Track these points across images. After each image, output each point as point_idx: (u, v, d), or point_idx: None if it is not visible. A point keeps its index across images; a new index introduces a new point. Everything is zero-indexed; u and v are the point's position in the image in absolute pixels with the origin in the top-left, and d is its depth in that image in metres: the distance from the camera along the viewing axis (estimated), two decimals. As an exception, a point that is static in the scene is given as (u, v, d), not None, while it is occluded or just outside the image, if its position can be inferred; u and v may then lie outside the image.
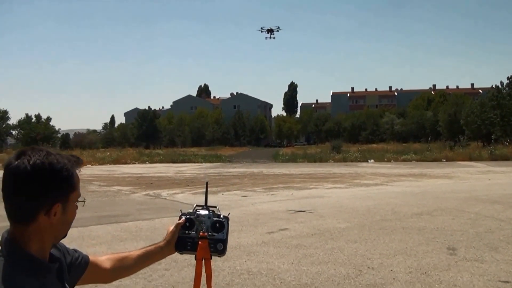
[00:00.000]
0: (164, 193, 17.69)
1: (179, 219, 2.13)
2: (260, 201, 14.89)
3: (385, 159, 42.51)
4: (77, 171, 1.65)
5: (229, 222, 2.17)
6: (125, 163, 44.44)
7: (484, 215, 11.49)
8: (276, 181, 22.42)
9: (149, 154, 54.03)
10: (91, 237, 9.43)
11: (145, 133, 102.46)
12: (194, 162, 44.65)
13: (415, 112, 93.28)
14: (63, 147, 79.23)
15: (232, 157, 52.37)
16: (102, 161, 45.03)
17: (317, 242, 8.75)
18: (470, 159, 40.08)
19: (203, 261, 2.03)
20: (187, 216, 2.13)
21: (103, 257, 2.00)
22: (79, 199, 1.72)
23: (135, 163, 44.37)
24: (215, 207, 2.23)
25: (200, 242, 2.05)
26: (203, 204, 2.25)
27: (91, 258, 1.92)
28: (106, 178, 25.85)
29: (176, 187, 20.19)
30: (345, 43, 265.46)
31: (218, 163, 43.47)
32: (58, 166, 1.54)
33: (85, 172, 17.80)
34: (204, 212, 2.16)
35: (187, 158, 48.08)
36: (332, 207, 13.20)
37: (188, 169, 34.31)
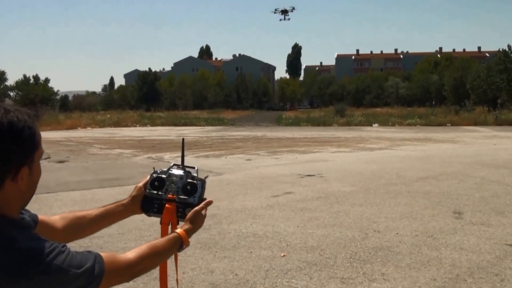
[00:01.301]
0: (167, 156, 17.67)
1: (149, 176, 1.94)
2: (264, 165, 14.86)
3: (390, 123, 42.45)
4: (37, 126, 1.44)
5: (205, 186, 1.92)
6: (126, 126, 44.43)
7: (490, 180, 11.43)
8: (279, 145, 22.38)
9: (150, 117, 53.91)
10: (94, 200, 9.41)
11: (145, 96, 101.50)
12: (196, 126, 44.64)
13: (420, 76, 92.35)
14: (62, 109, 78.97)
15: (234, 121, 52.32)
16: (102, 124, 45.04)
17: (323, 205, 8.73)
18: (476, 124, 39.94)
19: (169, 226, 1.81)
20: (158, 174, 1.91)
21: (56, 216, 1.78)
22: (43, 156, 1.52)
23: (136, 126, 44.38)
24: (194, 167, 2.01)
25: (167, 205, 1.84)
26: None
27: (40, 217, 1.68)
28: (107, 141, 25.86)
29: (178, 150, 19.88)
30: (350, 4, 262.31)
31: (221, 127, 43.46)
32: (19, 125, 1.35)
33: (86, 134, 18.13)
34: (177, 171, 1.93)
35: (189, 121, 48.07)
36: (336, 171, 13.17)
37: (190, 132, 34.31)
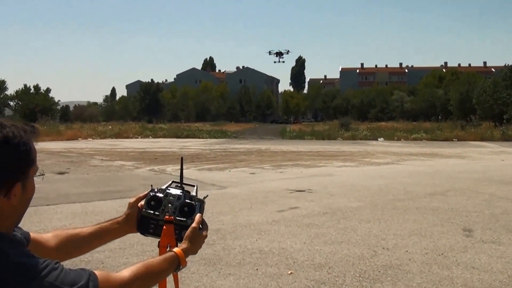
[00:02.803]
0: (169, 168, 17.50)
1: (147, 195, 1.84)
2: (268, 179, 14.69)
3: (395, 138, 42.24)
4: (34, 142, 1.43)
5: (204, 207, 1.81)
6: (127, 137, 44.29)
7: (499, 196, 11.24)
8: (284, 158, 22.21)
9: (152, 128, 53.80)
10: (94, 213, 9.25)
11: (147, 107, 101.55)
12: (199, 138, 44.49)
13: (425, 90, 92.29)
14: (63, 120, 78.83)
15: (238, 133, 52.18)
16: (103, 135, 44.89)
17: (329, 221, 8.55)
18: (482, 139, 39.71)
19: (168, 249, 1.69)
20: (155, 194, 1.81)
21: (48, 234, 1.72)
22: (37, 173, 1.50)
23: (137, 138, 44.26)
24: (194, 186, 1.91)
25: (164, 227, 1.74)
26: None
27: (32, 235, 1.64)
28: (108, 153, 25.72)
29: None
30: (355, 18, 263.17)
31: (224, 139, 43.32)
32: (15, 141, 1.33)
33: (87, 145, 17.97)
34: (175, 191, 1.82)
35: (192, 133, 47.90)
36: (342, 186, 12.99)
37: (193, 144, 34.17)
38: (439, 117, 63.46)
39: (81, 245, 1.77)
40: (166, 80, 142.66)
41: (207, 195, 1.88)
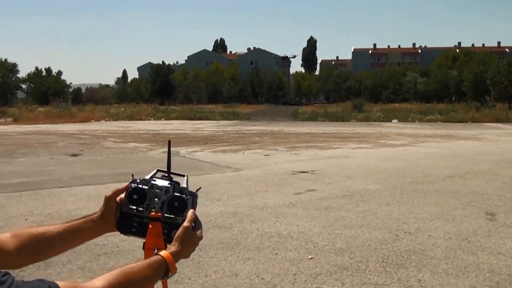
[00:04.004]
0: (183, 150, 17.35)
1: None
2: (283, 160, 14.51)
3: (409, 119, 41.89)
4: None
5: (197, 201, 1.51)
6: (140, 119, 44.37)
7: (520, 179, 11.01)
8: (298, 140, 22.04)
9: (165, 110, 53.76)
10: (110, 195, 9.11)
11: (159, 89, 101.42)
12: (212, 120, 44.44)
13: (438, 71, 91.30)
14: (75, 102, 79.00)
15: (250, 115, 52.06)
16: (116, 117, 45.02)
17: (348, 204, 8.38)
18: (497, 120, 39.27)
19: (155, 252, 1.42)
20: (137, 185, 1.50)
21: (6, 234, 1.41)
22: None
23: (150, 120, 44.28)
24: (184, 175, 1.61)
25: (150, 225, 1.44)
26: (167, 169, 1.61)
27: None
28: (122, 134, 25.69)
29: (194, 144, 19.88)
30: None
31: (236, 121, 43.21)
32: None
33: (99, 127, 17.95)
34: (162, 182, 1.52)
35: (204, 115, 47.91)
36: (359, 168, 12.79)
37: (206, 126, 34.05)
38: (453, 98, 62.70)
39: (47, 247, 1.46)
40: (177, 62, 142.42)
41: (200, 187, 1.58)
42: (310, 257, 5.57)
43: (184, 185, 1.54)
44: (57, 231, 1.46)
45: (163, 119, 45.09)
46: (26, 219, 7.31)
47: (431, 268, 5.18)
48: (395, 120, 41.37)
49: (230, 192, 9.43)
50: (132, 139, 22.55)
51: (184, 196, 1.48)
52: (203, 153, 16.46)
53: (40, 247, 1.43)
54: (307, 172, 12.05)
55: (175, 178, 1.57)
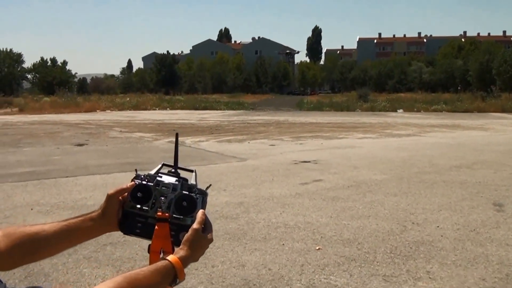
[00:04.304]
0: (188, 140, 17.31)
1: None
2: (289, 150, 14.47)
3: (415, 109, 41.77)
4: None
5: (207, 200, 1.40)
6: (145, 109, 44.38)
7: (527, 169, 10.94)
8: (303, 130, 22.00)
9: (170, 100, 53.81)
10: (114, 185, 8.94)
11: (164, 79, 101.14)
12: (217, 109, 44.41)
13: (444, 61, 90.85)
14: (80, 92, 78.98)
15: (255, 105, 51.99)
16: (121, 107, 45.03)
17: (355, 194, 8.33)
18: (503, 110, 39.08)
19: (161, 255, 1.31)
20: (142, 182, 1.40)
21: None
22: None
23: (155, 109, 44.29)
24: (192, 171, 1.47)
25: (156, 227, 1.34)
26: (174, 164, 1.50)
27: None
28: (127, 124, 25.68)
29: (200, 134, 19.85)
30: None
31: (241, 111, 43.20)
32: None
33: (105, 117, 17.99)
34: (169, 178, 1.42)
35: (209, 105, 47.92)
36: (365, 158, 12.74)
37: (211, 116, 34.03)
38: (459, 88, 62.40)
39: (41, 247, 1.35)
40: (182, 52, 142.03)
41: (210, 185, 1.47)
42: (317, 248, 5.53)
43: (193, 181, 1.42)
44: (53, 230, 1.35)
45: (168, 109, 45.08)
46: (32, 209, 7.29)
47: (440, 259, 5.14)
48: (401, 110, 41.23)
49: (236, 182, 9.40)
50: (137, 129, 22.54)
51: (193, 194, 1.38)
52: (209, 143, 16.42)
53: (34, 247, 1.33)
54: (312, 162, 12.01)
55: (182, 174, 1.47)
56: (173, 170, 1.47)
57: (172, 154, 1.53)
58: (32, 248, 1.33)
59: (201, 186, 1.43)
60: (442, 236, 5.96)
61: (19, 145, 15.87)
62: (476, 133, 20.56)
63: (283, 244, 5.67)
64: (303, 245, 5.63)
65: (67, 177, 9.89)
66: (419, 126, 24.41)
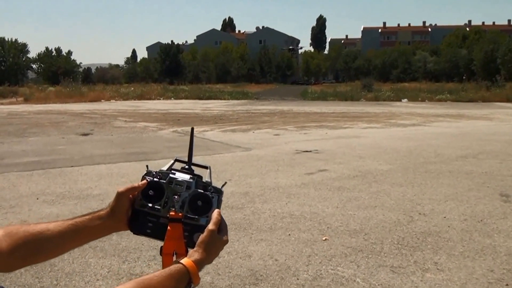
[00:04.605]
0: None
1: (141, 180, 1.35)
2: (294, 140, 14.42)
3: (419, 99, 41.59)
4: None
5: (222, 199, 1.33)
6: (150, 98, 44.31)
7: (534, 159, 10.87)
8: (307, 120, 21.93)
9: (174, 90, 53.64)
10: (120, 175, 9.11)
11: (168, 69, 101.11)
12: (221, 99, 44.32)
13: (448, 50, 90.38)
14: (85, 82, 79.03)
15: (259, 94, 51.90)
16: (126, 97, 44.98)
17: (360, 184, 8.29)
18: (508, 100, 38.81)
19: (174, 257, 1.25)
20: (154, 179, 1.33)
21: None
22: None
23: (160, 99, 44.24)
24: (207, 167, 1.41)
25: (169, 227, 1.27)
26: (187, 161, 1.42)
27: None
28: (132, 114, 25.66)
29: (204, 124, 19.82)
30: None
31: (245, 100, 43.08)
32: None
33: (110, 107, 18.02)
34: (182, 175, 1.34)
35: (213, 94, 47.82)
36: (370, 148, 12.68)
37: (215, 106, 33.95)
38: (464, 77, 62.03)
39: (45, 247, 1.28)
40: (186, 42, 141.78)
41: (226, 182, 1.43)
42: (324, 238, 5.51)
43: (208, 179, 1.36)
44: (58, 229, 1.28)
45: (172, 98, 45.01)
46: (37, 198, 7.29)
47: (447, 250, 5.11)
48: (405, 100, 41.08)
49: (241, 172, 9.37)
50: (142, 119, 22.50)
51: (208, 193, 1.31)
52: (213, 133, 16.38)
53: (38, 247, 1.26)
54: (314, 151, 11.98)
55: (198, 170, 1.39)
56: (186, 167, 1.38)
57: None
58: (36, 248, 1.26)
59: (214, 182, 1.36)
60: (449, 227, 5.93)
61: (24, 134, 15.88)
62: (481, 123, 20.47)
63: (289, 235, 5.64)
64: (309, 236, 5.60)
65: (72, 166, 9.89)
66: (424, 116, 24.31)
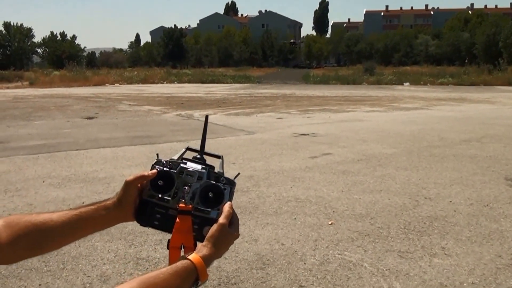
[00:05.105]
0: (196, 113, 17.28)
1: (151, 169, 1.26)
2: (297, 124, 14.40)
3: (421, 82, 41.38)
4: None
5: (234, 191, 1.26)
6: (153, 82, 44.27)
7: (538, 143, 10.84)
8: (310, 103, 21.87)
9: (177, 74, 53.55)
10: (125, 158, 9.11)
11: (171, 53, 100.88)
12: (223, 83, 44.24)
13: (450, 34, 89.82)
14: (89, 66, 78.92)
15: (261, 78, 51.70)
16: (130, 80, 44.99)
17: (365, 168, 8.27)
18: (510, 83, 38.61)
19: (181, 251, 1.18)
20: (164, 168, 1.26)
21: None
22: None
23: (163, 83, 44.20)
24: (219, 157, 1.34)
25: (177, 219, 1.20)
26: (199, 150, 1.34)
27: None
28: (136, 98, 25.63)
29: (208, 107, 19.82)
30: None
31: (248, 84, 43.01)
32: None
33: (114, 91, 18.01)
34: (194, 165, 1.27)
35: (216, 78, 47.71)
36: (374, 132, 12.65)
37: (218, 89, 33.87)
38: (466, 61, 61.65)
39: (48, 239, 1.20)
40: (189, 26, 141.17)
41: (239, 173, 1.38)
42: (330, 222, 5.50)
43: (220, 169, 1.29)
44: (62, 220, 1.20)
45: (175, 82, 44.96)
46: (43, 181, 7.30)
47: (454, 235, 5.10)
48: (407, 83, 40.91)
49: (245, 155, 9.36)
50: (146, 102, 22.48)
51: (220, 184, 1.24)
52: (217, 116, 16.34)
53: (40, 239, 1.19)
54: (314, 135, 11.97)
55: (210, 160, 1.32)
56: (198, 156, 1.31)
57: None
58: (38, 239, 1.18)
59: (227, 174, 1.29)
60: (455, 211, 5.91)
61: (30, 118, 15.92)
62: (483, 107, 20.39)
63: (295, 219, 5.64)
64: (315, 220, 5.60)
65: (77, 150, 9.92)
66: (426, 99, 24.21)
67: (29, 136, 12.06)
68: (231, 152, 9.63)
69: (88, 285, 4.00)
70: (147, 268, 4.31)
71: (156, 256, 4.55)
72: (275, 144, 10.72)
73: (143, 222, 1.25)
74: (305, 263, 4.39)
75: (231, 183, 1.25)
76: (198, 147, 1.34)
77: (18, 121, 15.15)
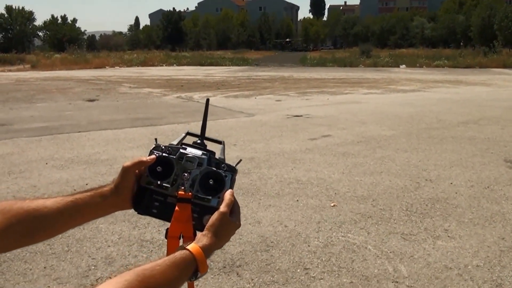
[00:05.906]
0: (196, 95, 17.30)
1: (149, 155, 1.20)
2: (296, 106, 14.39)
3: (417, 65, 41.37)
4: None
5: (235, 178, 1.20)
6: (153, 65, 44.23)
7: (535, 126, 10.88)
8: (308, 86, 21.84)
9: (176, 56, 53.51)
10: (127, 140, 9.11)
11: (170, 36, 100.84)
12: (222, 66, 44.19)
13: (446, 16, 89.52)
14: (90, 49, 78.67)
15: (259, 61, 51.71)
16: (129, 63, 45.00)
17: (365, 150, 8.29)
18: (505, 66, 38.68)
19: (180, 241, 1.13)
20: (163, 154, 1.20)
21: None
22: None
23: (162, 66, 44.18)
24: (221, 142, 1.29)
25: (176, 207, 1.14)
26: (199, 134, 1.29)
27: None
28: (136, 80, 25.58)
29: (207, 90, 19.80)
30: None
31: (246, 67, 42.95)
32: None
33: (114, 73, 17.94)
34: (194, 151, 1.21)
35: (215, 61, 47.70)
36: (372, 114, 12.67)
37: (217, 72, 33.78)
38: (461, 43, 61.48)
39: (42, 226, 1.13)
40: (187, 9, 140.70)
41: (241, 160, 1.33)
42: (332, 204, 5.52)
43: (221, 155, 1.23)
44: (56, 207, 1.14)
45: (174, 65, 44.92)
46: (46, 163, 7.30)
47: (457, 217, 5.12)
48: (403, 66, 40.87)
49: (246, 137, 9.37)
50: (146, 85, 22.43)
51: (221, 171, 1.18)
52: (216, 98, 16.31)
53: (33, 226, 1.12)
54: (308, 116, 11.99)
55: (210, 146, 1.28)
56: (199, 141, 1.26)
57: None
58: (31, 227, 1.12)
59: (228, 160, 1.24)
60: (456, 193, 5.94)
61: (32, 100, 15.90)
62: (479, 89, 20.41)
63: (297, 201, 5.66)
64: (317, 202, 5.62)
65: (79, 132, 9.93)
66: (423, 81, 24.21)
67: (31, 118, 12.08)
68: (232, 134, 9.65)
69: (93, 267, 4.01)
70: (151, 250, 4.33)
71: (160, 238, 4.56)
72: (275, 126, 10.73)
73: (141, 210, 1.19)
74: (309, 245, 4.41)
75: (232, 170, 1.20)
76: (198, 131, 1.29)
77: (20, 103, 15.14)
